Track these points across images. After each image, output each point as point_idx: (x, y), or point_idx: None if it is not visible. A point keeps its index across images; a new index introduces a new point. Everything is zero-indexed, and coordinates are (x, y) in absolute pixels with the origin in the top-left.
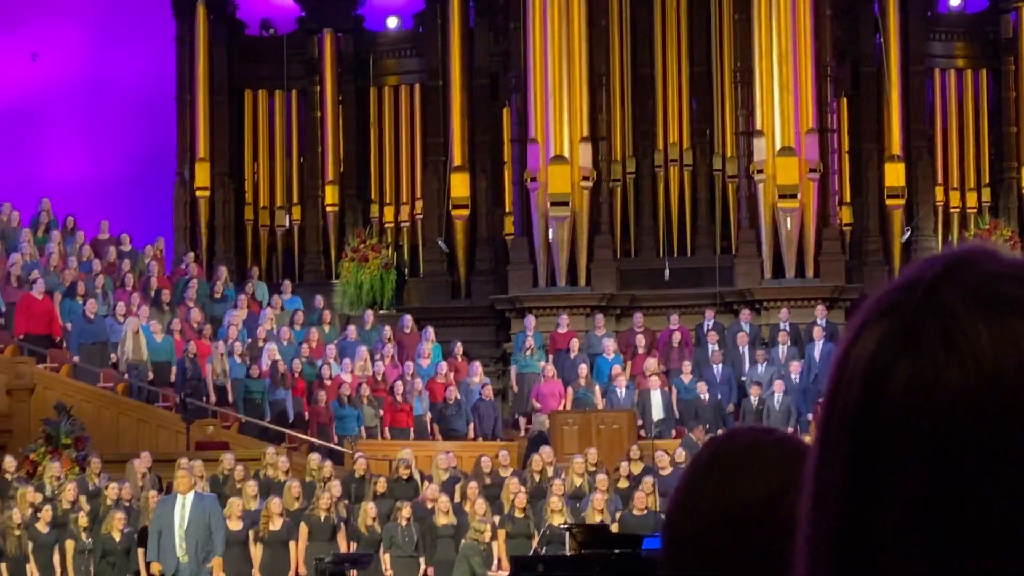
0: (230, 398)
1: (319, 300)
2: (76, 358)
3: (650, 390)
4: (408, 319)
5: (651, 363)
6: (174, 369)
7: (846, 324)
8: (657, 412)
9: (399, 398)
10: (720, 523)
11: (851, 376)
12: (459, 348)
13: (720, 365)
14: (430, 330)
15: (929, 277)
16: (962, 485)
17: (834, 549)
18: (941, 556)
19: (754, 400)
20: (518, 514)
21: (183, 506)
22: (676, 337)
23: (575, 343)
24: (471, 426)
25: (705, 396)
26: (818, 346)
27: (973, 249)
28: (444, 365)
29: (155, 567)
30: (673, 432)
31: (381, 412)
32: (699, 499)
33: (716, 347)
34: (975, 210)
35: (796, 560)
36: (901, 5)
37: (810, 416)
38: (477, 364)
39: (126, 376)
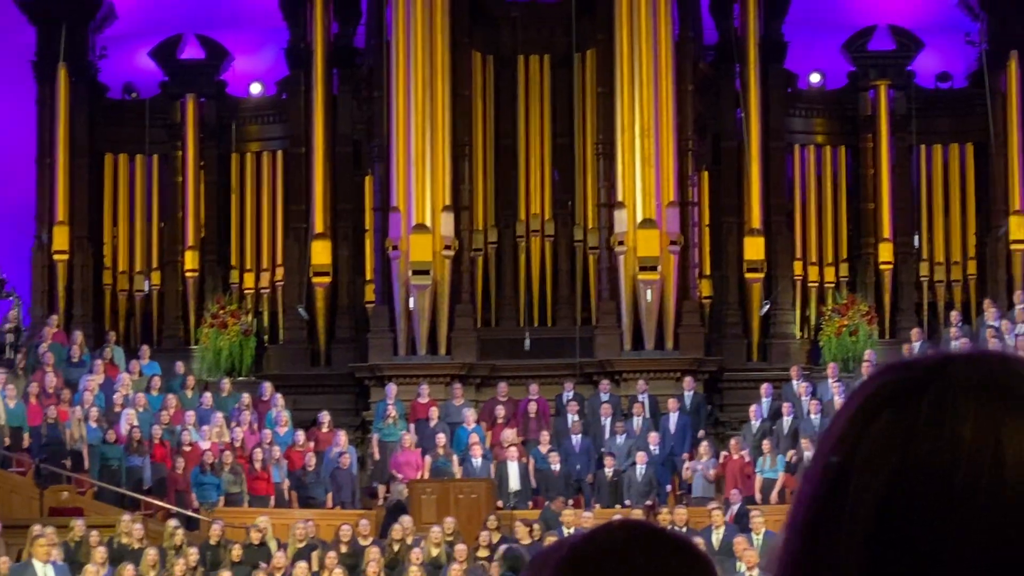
0: (86, 464)
1: (179, 366)
2: None
3: (507, 461)
4: (267, 386)
5: (508, 434)
6: (26, 435)
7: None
8: (514, 483)
9: (257, 466)
10: None
11: (843, 414)
12: (326, 417)
13: (580, 436)
14: (279, 397)
15: (953, 354)
16: (899, 534)
17: None
18: None
19: (608, 471)
20: None
21: (45, 574)
22: (533, 407)
23: (434, 412)
24: (329, 495)
25: (557, 467)
26: (672, 418)
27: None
28: (301, 434)
29: None
30: (531, 503)
31: (243, 480)
32: None
33: (576, 417)
34: (833, 285)
35: None
36: (762, 81)
37: (668, 488)
38: (342, 433)
39: None
